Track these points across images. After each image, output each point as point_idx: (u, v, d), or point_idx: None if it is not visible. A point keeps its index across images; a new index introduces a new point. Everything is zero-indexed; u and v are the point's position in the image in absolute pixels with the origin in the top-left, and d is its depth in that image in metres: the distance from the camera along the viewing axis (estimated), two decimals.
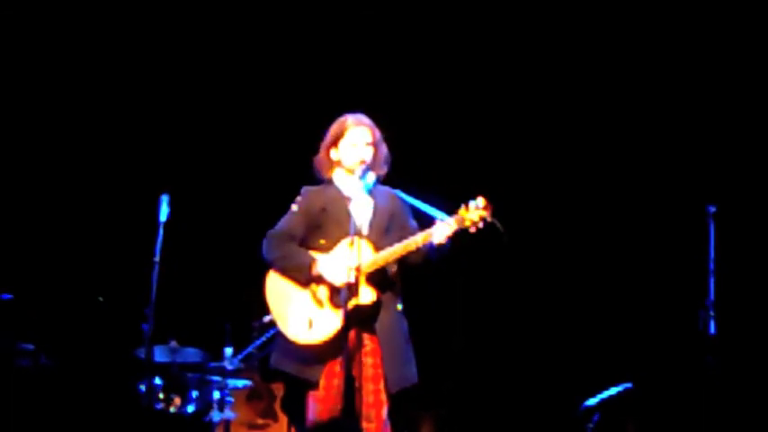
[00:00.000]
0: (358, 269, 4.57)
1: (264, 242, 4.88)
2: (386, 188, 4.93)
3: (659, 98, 6.97)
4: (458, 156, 7.22)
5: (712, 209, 5.69)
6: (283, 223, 4.88)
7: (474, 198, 4.52)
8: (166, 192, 5.57)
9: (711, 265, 5.62)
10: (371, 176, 4.88)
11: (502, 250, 4.76)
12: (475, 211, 4.50)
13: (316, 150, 4.98)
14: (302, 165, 5.03)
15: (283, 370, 4.80)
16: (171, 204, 5.54)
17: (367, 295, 4.64)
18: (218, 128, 7.55)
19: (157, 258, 5.48)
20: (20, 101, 7.36)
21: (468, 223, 4.52)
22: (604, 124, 7.09)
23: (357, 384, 4.66)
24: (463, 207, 4.54)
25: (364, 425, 4.66)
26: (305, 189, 4.93)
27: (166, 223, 5.52)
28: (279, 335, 4.86)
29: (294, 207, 4.89)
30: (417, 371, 4.80)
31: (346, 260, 4.61)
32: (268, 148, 7.47)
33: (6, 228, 7.17)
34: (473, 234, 4.55)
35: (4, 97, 7.31)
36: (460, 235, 4.58)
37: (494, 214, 4.51)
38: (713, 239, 5.63)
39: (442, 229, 4.56)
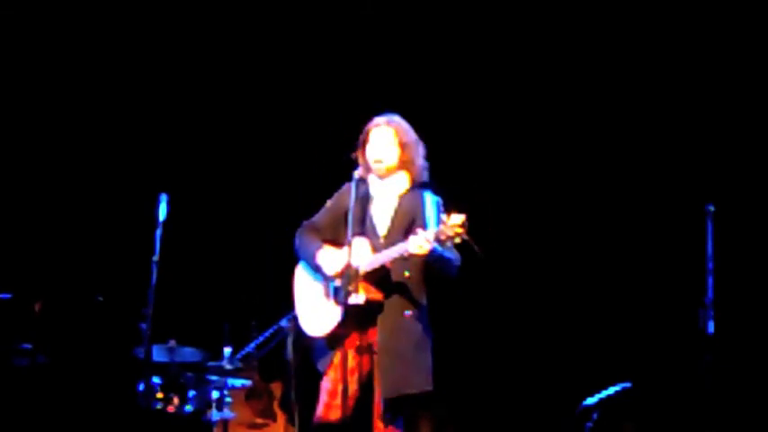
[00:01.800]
0: (353, 268, 4.63)
1: (297, 231, 5.03)
2: (420, 191, 4.94)
3: (658, 98, 6.96)
4: (457, 155, 7.21)
5: (711, 208, 5.68)
6: (315, 216, 5.04)
7: (458, 213, 4.50)
8: (165, 191, 5.57)
9: (710, 264, 5.61)
10: (403, 178, 4.92)
11: (494, 254, 4.76)
12: (450, 228, 4.47)
13: (314, 151, 5.02)
14: (300, 164, 5.07)
15: (313, 362, 4.92)
16: (170, 204, 5.54)
17: (359, 295, 4.68)
18: (216, 127, 7.55)
19: (156, 258, 5.48)
20: (20, 101, 7.36)
21: (442, 237, 4.50)
22: (603, 124, 7.08)
23: (375, 384, 4.74)
24: (442, 220, 4.52)
25: (377, 424, 4.73)
26: (345, 185, 5.01)
27: (165, 222, 5.52)
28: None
29: (328, 202, 5.01)
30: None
31: (344, 258, 4.69)
32: (267, 148, 7.47)
33: (5, 227, 7.17)
34: (457, 245, 4.56)
35: (4, 97, 7.30)
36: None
37: (470, 233, 4.47)
38: (712, 238, 5.62)
39: (416, 240, 4.55)
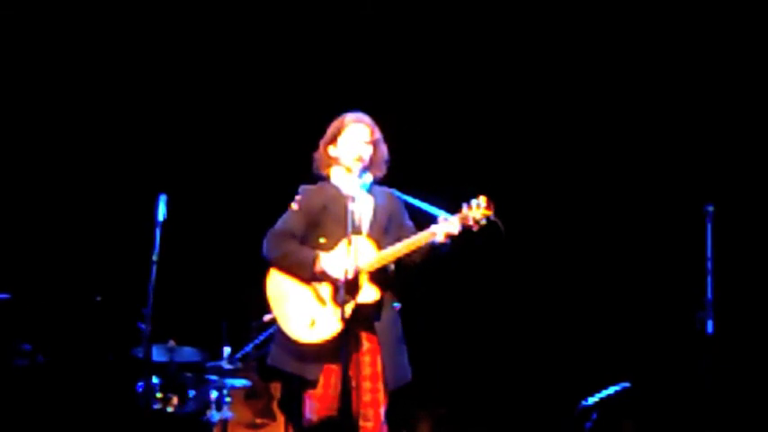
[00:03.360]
0: (358, 268, 4.57)
1: (265, 241, 4.85)
2: (383, 188, 4.92)
3: (657, 99, 6.97)
4: (456, 155, 7.22)
5: (710, 208, 5.69)
6: (283, 222, 4.86)
7: (475, 197, 4.52)
8: (164, 191, 5.57)
9: (709, 265, 5.61)
10: (369, 176, 4.87)
11: (500, 248, 4.77)
12: (477, 210, 4.49)
13: (312, 150, 4.98)
14: (299, 164, 5.03)
15: (282, 368, 4.78)
16: (169, 204, 5.54)
17: (370, 294, 4.64)
18: (215, 128, 7.55)
19: (155, 258, 5.47)
20: (20, 101, 7.36)
21: (471, 222, 4.51)
22: (603, 125, 7.09)
23: (354, 383, 4.66)
24: (466, 206, 4.53)
25: (361, 423, 4.65)
26: (303, 188, 4.92)
27: (164, 223, 5.52)
28: (278, 333, 4.84)
29: (294, 206, 4.86)
30: (412, 369, 4.81)
31: (349, 258, 4.59)
32: (265, 148, 7.48)
33: (4, 228, 7.17)
34: (473, 233, 4.54)
35: (4, 97, 7.31)
36: (461, 233, 4.57)
37: (495, 213, 4.51)
38: (710, 239, 5.63)
39: (446, 227, 4.55)
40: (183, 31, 7.41)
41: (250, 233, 7.34)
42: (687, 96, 6.86)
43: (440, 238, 4.57)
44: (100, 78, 7.44)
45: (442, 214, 4.62)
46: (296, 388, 4.82)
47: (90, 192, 7.39)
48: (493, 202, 4.51)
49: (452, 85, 7.33)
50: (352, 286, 4.59)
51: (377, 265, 4.65)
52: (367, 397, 4.67)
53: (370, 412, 4.66)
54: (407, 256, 4.69)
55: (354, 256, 4.55)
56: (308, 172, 4.98)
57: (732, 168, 6.69)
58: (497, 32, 7.21)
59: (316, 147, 4.95)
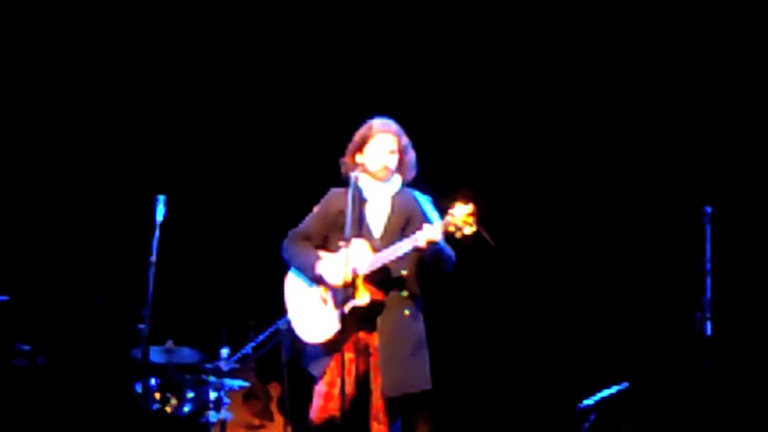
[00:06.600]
0: (353, 271, 4.62)
1: (284, 241, 4.98)
2: (408, 190, 4.96)
3: (656, 100, 6.97)
4: (458, 157, 7.22)
5: (708, 210, 5.69)
6: (303, 223, 4.99)
7: (465, 203, 4.50)
8: (163, 192, 5.58)
9: (708, 266, 5.61)
10: (397, 180, 4.94)
11: (492, 254, 4.77)
12: (459, 218, 4.47)
13: (312, 151, 5.00)
14: (298, 166, 5.08)
15: (304, 366, 4.90)
16: (167, 205, 5.54)
17: (362, 297, 4.67)
18: (214, 129, 7.56)
19: (154, 259, 5.48)
20: (19, 101, 7.37)
21: (452, 228, 4.50)
22: (602, 126, 7.09)
23: (371, 386, 4.73)
24: (450, 212, 4.52)
25: (374, 425, 4.71)
26: (331, 191, 5.00)
27: (163, 224, 5.52)
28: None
29: (316, 208, 4.98)
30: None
31: (344, 261, 4.65)
32: (265, 149, 7.48)
33: (3, 229, 7.17)
34: (462, 238, 4.53)
35: (4, 98, 7.31)
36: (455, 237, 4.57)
37: (480, 221, 4.47)
38: (709, 240, 5.63)
39: (427, 234, 4.56)
40: (182, 33, 7.41)
41: (248, 234, 7.39)
42: (686, 98, 6.85)
43: (421, 244, 4.57)
44: (99, 80, 7.44)
45: (435, 220, 4.63)
46: (305, 386, 4.92)
47: (89, 193, 7.40)
48: (477, 211, 4.45)
49: (454, 87, 7.33)
50: (348, 289, 4.64)
51: (371, 268, 4.68)
52: (379, 400, 4.72)
53: (381, 415, 4.71)
54: (421, 260, 4.71)
55: (346, 261, 4.61)
56: (306, 173, 5.00)
57: (731, 170, 6.68)
58: (497, 34, 7.20)
59: (314, 148, 4.98)
